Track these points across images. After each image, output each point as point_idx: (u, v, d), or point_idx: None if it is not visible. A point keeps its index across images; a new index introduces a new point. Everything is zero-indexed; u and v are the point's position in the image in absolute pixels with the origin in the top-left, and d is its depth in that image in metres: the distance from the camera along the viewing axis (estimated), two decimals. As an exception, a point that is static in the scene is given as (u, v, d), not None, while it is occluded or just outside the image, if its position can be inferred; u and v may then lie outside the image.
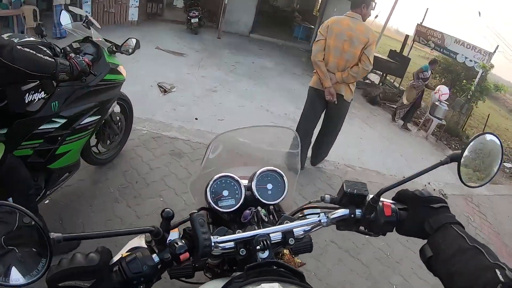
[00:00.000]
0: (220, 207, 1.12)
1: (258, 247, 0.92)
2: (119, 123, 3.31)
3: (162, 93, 5.51)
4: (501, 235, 4.73)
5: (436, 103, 7.52)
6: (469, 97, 8.48)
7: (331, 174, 4.43)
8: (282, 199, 1.19)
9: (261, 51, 10.49)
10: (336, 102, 3.81)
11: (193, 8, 10.12)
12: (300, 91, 7.50)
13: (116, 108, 3.19)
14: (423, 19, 10.95)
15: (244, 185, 1.17)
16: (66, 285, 0.70)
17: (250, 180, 1.20)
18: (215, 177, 1.15)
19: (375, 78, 10.88)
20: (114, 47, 2.79)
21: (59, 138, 2.22)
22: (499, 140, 1.01)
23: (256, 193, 1.16)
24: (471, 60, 8.75)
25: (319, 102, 3.96)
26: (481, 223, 4.76)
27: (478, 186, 1.05)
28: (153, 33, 9.22)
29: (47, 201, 2.66)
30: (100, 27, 2.85)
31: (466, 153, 0.97)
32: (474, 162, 1.01)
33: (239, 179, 1.17)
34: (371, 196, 0.99)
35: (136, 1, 9.47)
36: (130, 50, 2.86)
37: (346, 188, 1.01)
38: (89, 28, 2.67)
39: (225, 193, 1.15)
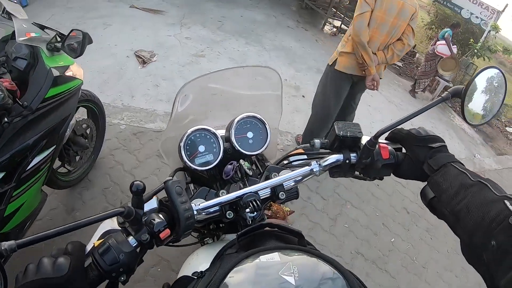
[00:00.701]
0: (197, 165, 1.03)
1: (247, 210, 0.84)
2: (88, 131, 2.57)
3: (140, 64, 4.70)
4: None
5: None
6: (474, 56, 7.88)
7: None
8: (265, 148, 1.10)
9: (249, 1, 9.43)
10: (377, 90, 3.17)
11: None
12: (296, 49, 6.81)
13: (81, 113, 2.48)
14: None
15: (221, 136, 1.08)
16: None
17: (228, 130, 1.10)
18: (188, 131, 1.05)
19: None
20: (58, 39, 1.92)
21: (3, 196, 1.54)
22: (502, 73, 0.95)
23: (235, 144, 1.07)
24: (477, 17, 8.07)
25: (346, 86, 3.25)
26: None
27: (481, 124, 1.01)
28: (128, -13, 8.11)
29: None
30: (26, 17, 1.89)
31: (470, 87, 0.91)
32: (477, 98, 0.95)
33: (215, 130, 1.07)
34: (366, 138, 0.93)
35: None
36: (77, 48, 1.95)
37: (339, 130, 0.92)
38: (11, 20, 1.76)
39: (201, 148, 1.05)
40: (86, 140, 2.52)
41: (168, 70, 4.67)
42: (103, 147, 2.92)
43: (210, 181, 1.05)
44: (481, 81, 0.94)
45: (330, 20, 9.94)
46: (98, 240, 0.70)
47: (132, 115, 3.58)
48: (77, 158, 2.52)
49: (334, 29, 9.45)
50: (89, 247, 0.69)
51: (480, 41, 7.83)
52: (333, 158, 0.94)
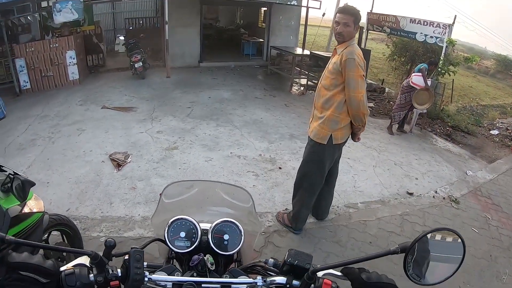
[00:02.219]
0: (175, 246, 1.18)
1: None
2: (64, 253, 2.53)
3: (116, 168, 4.73)
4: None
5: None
6: (439, 74, 8.05)
7: (334, 227, 3.76)
8: (234, 253, 1.22)
9: (215, 80, 9.83)
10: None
11: (134, 52, 9.41)
12: (267, 119, 6.95)
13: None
14: (372, 6, 10.59)
15: (203, 229, 1.23)
16: (27, 274, 0.86)
17: (210, 227, 1.24)
18: (176, 217, 1.22)
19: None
20: (11, 178, 1.94)
21: None
22: (460, 238, 0.94)
23: (211, 240, 1.20)
24: (431, 37, 8.35)
25: (338, 152, 3.39)
26: (499, 218, 4.43)
27: (426, 285, 0.96)
28: (98, 89, 8.45)
29: None
30: None
31: (416, 246, 0.91)
32: (427, 257, 0.95)
33: (197, 224, 1.22)
34: (321, 272, 0.99)
35: (73, 58, 8.73)
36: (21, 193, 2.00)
37: (288, 257, 1.01)
38: None
39: (182, 234, 1.20)
40: (64, 262, 2.47)
41: (143, 170, 4.71)
42: (85, 262, 2.84)
43: (183, 261, 1.23)
44: (432, 240, 0.95)
45: (297, 80, 10.33)
46: (71, 266, 0.94)
47: (110, 225, 3.54)
48: None
49: (302, 88, 9.75)
50: (63, 268, 0.92)
51: (441, 58, 7.94)
52: (277, 279, 1.02)
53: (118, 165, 4.81)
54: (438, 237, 0.95)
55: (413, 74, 6.86)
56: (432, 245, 0.95)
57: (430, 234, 0.94)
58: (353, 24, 2.95)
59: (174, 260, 1.31)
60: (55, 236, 2.61)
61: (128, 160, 4.95)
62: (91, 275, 0.93)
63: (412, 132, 7.21)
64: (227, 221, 1.25)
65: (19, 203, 2.00)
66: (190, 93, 8.42)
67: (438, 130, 7.64)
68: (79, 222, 3.53)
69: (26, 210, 2.04)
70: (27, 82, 8.22)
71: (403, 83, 7.13)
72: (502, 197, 4.96)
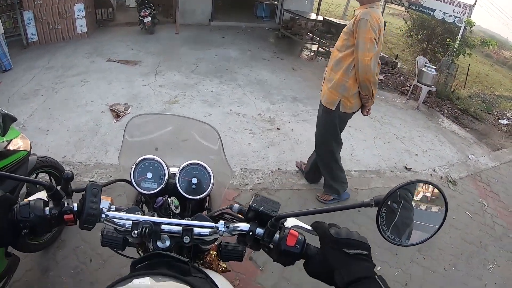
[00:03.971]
0: (141, 187, 1.14)
1: (135, 232, 0.94)
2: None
3: (115, 119, 4.73)
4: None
5: (423, 69, 6.83)
6: (453, 55, 7.79)
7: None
8: (202, 197, 1.17)
9: (224, 39, 9.64)
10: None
11: (143, 7, 9.21)
12: (271, 80, 6.83)
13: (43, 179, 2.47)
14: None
15: (171, 173, 1.19)
16: None
17: (178, 169, 1.19)
18: (143, 157, 1.17)
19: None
20: None
21: None
22: (440, 190, 0.86)
23: (178, 183, 1.16)
24: (450, 16, 7.98)
25: (347, 121, 3.38)
26: (495, 206, 4.32)
27: (400, 245, 0.88)
28: (105, 42, 8.33)
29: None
30: None
31: (391, 200, 0.83)
32: (403, 213, 0.86)
33: (165, 165, 1.18)
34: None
35: (82, 11, 8.56)
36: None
37: (253, 202, 0.95)
38: None
39: (149, 175, 1.16)
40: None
41: (141, 121, 4.66)
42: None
43: (151, 205, 1.18)
44: (410, 193, 0.87)
45: (308, 45, 10.10)
46: (28, 200, 0.91)
47: (102, 171, 3.57)
48: None
49: (312, 54, 9.55)
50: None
51: (458, 38, 7.70)
52: (241, 226, 0.97)
53: (117, 115, 4.81)
54: (417, 191, 0.88)
55: None
56: (409, 201, 0.88)
57: (408, 186, 0.85)
58: None
59: (144, 205, 1.27)
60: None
61: (128, 112, 4.94)
62: (47, 208, 0.91)
63: (419, 109, 7.03)
64: (196, 163, 1.19)
65: (3, 140, 2.01)
66: (197, 50, 8.29)
67: (446, 111, 7.44)
68: (73, 168, 3.58)
69: (11, 147, 2.06)
70: (35, 35, 8.11)
71: None
72: (502, 186, 4.83)
